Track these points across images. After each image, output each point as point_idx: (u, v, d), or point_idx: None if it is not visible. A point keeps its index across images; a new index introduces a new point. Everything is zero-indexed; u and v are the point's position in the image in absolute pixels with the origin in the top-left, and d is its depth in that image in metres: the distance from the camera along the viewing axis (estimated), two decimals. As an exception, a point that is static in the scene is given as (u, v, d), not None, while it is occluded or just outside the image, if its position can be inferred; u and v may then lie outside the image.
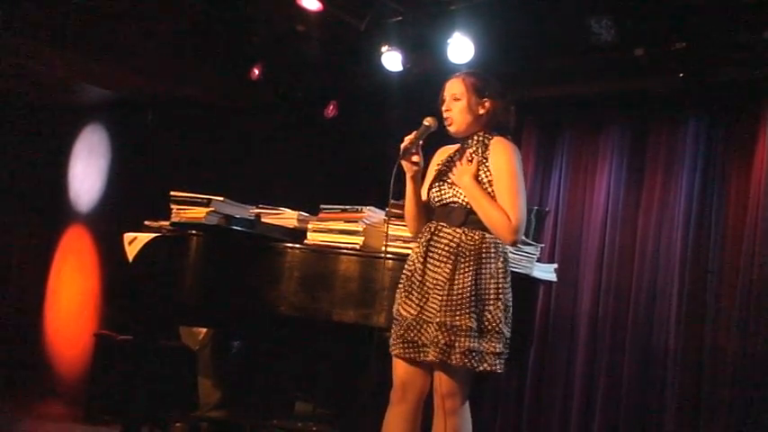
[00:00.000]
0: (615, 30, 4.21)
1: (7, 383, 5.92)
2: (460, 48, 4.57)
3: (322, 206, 3.70)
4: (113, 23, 4.88)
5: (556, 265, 3.94)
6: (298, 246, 3.61)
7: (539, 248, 3.65)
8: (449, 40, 4.58)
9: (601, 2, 4.21)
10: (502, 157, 2.81)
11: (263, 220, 3.83)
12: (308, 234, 3.65)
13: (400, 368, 2.83)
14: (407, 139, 2.81)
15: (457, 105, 2.87)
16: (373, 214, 3.57)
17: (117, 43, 5.00)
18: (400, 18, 4.76)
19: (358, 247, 3.49)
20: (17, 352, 6.25)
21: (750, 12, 4.04)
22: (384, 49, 4.89)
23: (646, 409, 4.44)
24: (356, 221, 3.54)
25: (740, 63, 4.27)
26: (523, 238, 3.52)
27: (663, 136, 4.68)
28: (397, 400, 2.83)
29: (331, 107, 5.63)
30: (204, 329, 4.52)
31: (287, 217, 3.84)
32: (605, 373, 4.59)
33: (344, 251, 3.50)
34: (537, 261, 3.67)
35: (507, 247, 2.87)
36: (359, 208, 3.57)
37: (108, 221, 5.82)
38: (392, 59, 4.92)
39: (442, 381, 2.75)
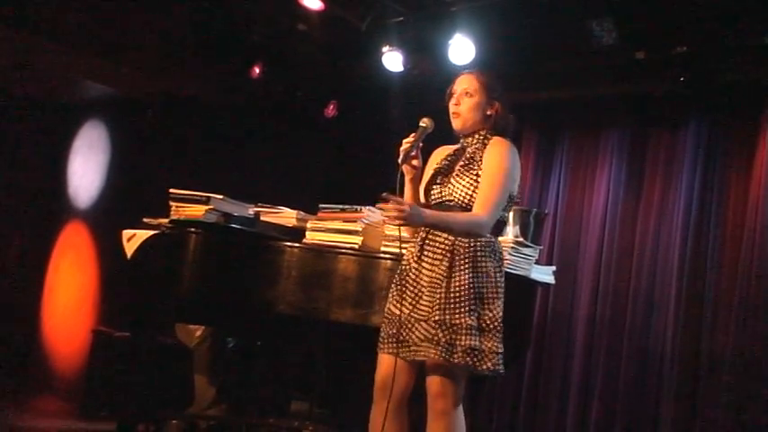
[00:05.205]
0: (616, 33, 4.22)
1: (4, 378, 5.91)
2: (461, 49, 4.57)
3: (321, 205, 3.69)
4: (114, 20, 4.87)
5: (554, 268, 3.93)
6: (296, 245, 3.60)
7: (537, 250, 3.65)
8: (450, 41, 4.59)
9: (602, 5, 4.22)
10: (496, 155, 2.80)
11: (261, 218, 3.83)
12: (307, 233, 3.65)
13: (384, 365, 2.80)
14: (406, 142, 2.79)
15: (468, 102, 2.86)
16: (372, 214, 3.56)
17: (117, 40, 4.99)
18: (401, 18, 4.77)
19: (356, 246, 3.48)
20: (14, 347, 6.24)
21: (750, 15, 4.05)
22: (385, 49, 4.90)
23: (642, 411, 4.45)
24: (355, 221, 3.54)
25: (740, 67, 4.28)
26: (522, 239, 3.53)
27: (663, 139, 4.69)
28: (380, 397, 2.80)
29: (331, 107, 5.64)
30: (200, 327, 4.52)
31: (286, 216, 3.83)
32: (602, 376, 4.60)
33: (343, 251, 3.49)
34: (535, 263, 3.67)
35: (503, 246, 2.87)
36: (358, 208, 3.56)
37: (107, 218, 5.81)
38: (393, 60, 4.93)
39: (433, 381, 2.71)
